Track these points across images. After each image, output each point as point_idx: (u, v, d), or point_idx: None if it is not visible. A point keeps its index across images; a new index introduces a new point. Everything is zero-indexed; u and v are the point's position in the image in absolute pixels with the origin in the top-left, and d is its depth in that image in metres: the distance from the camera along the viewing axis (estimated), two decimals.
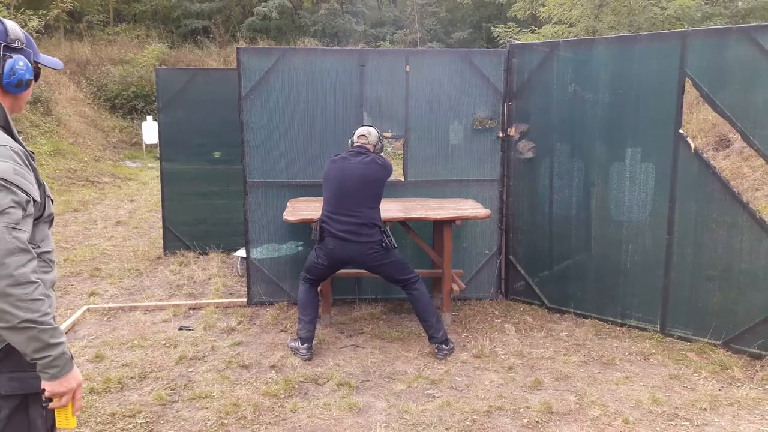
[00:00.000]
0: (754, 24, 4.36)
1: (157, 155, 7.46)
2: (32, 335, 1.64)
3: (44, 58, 1.93)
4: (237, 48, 5.22)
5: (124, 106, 17.32)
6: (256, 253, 5.35)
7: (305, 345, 4.26)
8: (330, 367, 4.15)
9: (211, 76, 7.61)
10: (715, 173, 4.43)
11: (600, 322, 4.97)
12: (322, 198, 5.23)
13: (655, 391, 3.81)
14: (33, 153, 1.86)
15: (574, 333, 4.80)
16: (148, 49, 18.51)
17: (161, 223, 7.24)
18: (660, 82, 4.56)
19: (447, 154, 5.40)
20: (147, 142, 15.42)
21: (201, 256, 6.94)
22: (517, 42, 5.54)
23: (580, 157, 5.04)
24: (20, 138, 1.85)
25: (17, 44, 1.81)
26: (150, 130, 14.64)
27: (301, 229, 5.10)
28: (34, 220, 1.78)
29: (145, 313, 5.19)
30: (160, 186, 7.18)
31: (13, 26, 1.81)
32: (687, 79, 4.44)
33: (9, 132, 1.81)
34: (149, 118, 15.28)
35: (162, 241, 7.21)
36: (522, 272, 5.49)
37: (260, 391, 3.78)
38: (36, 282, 1.65)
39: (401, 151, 5.70)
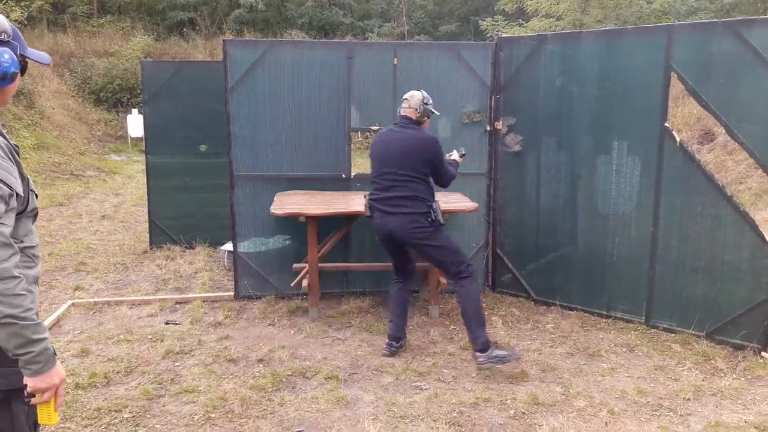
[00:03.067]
0: (739, 18, 4.40)
1: (143, 148, 7.38)
2: (14, 331, 1.62)
3: (32, 52, 1.90)
4: (223, 40, 5.18)
5: (109, 99, 17.12)
6: (243, 246, 5.32)
7: (388, 342, 4.25)
8: (318, 360, 4.15)
9: (197, 68, 7.53)
10: (700, 166, 4.47)
11: (586, 314, 5.01)
12: (309, 192, 5.24)
13: (639, 382, 3.85)
14: (17, 147, 1.84)
15: (560, 325, 4.84)
16: (133, 42, 18.31)
17: (147, 216, 7.18)
18: (646, 76, 4.58)
19: None
20: (132, 136, 15.27)
21: (187, 250, 6.90)
22: (504, 35, 5.55)
23: (567, 151, 5.07)
24: (4, 131, 1.83)
25: (3, 37, 1.78)
26: (135, 123, 14.50)
27: (289, 222, 5.08)
28: (17, 215, 1.76)
29: (131, 308, 5.16)
30: (145, 179, 7.12)
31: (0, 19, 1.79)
32: (672, 72, 4.47)
33: None
34: (135, 111, 15.13)
35: (148, 235, 7.16)
36: (509, 265, 5.51)
37: (248, 385, 3.77)
38: (18, 277, 1.64)
39: None
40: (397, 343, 4.25)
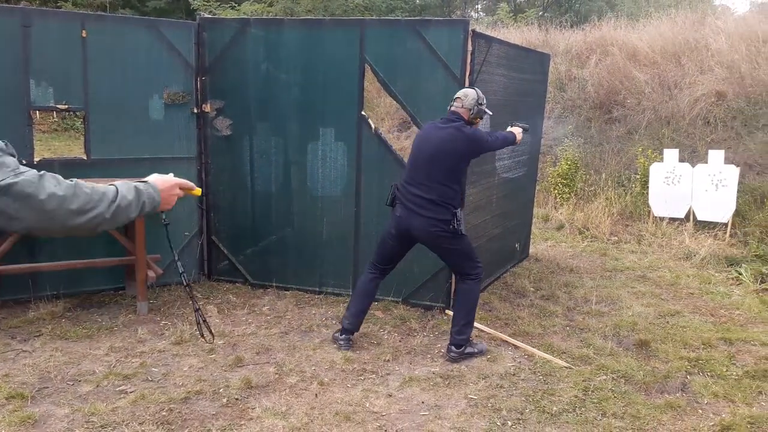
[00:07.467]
0: (418, 18, 4.95)
1: None
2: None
3: None
4: None
5: None
6: None
7: (344, 336, 4.18)
8: None
9: None
10: (391, 150, 4.96)
11: (300, 293, 5.20)
12: None
13: (346, 351, 4.14)
14: None
15: (275, 306, 4.94)
16: None
17: None
18: (345, 67, 4.88)
19: (137, 129, 5.00)
20: None
21: None
22: (207, 15, 5.38)
23: (279, 136, 5.15)
24: None
25: None
26: None
27: None
28: None
29: None
30: None
31: None
32: (367, 65, 4.84)
33: None
34: None
35: None
36: (225, 251, 5.43)
37: None
38: None
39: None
40: (352, 336, 4.23)
